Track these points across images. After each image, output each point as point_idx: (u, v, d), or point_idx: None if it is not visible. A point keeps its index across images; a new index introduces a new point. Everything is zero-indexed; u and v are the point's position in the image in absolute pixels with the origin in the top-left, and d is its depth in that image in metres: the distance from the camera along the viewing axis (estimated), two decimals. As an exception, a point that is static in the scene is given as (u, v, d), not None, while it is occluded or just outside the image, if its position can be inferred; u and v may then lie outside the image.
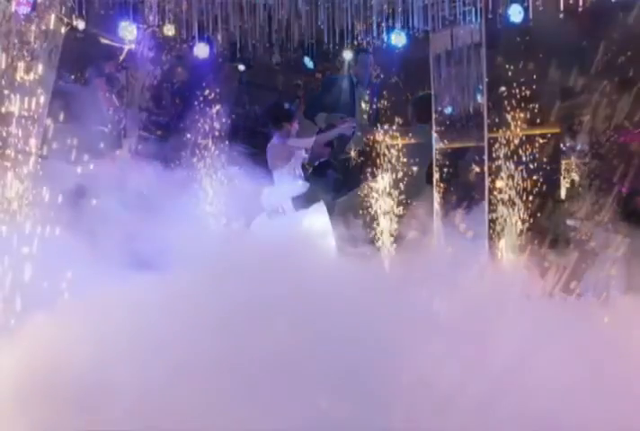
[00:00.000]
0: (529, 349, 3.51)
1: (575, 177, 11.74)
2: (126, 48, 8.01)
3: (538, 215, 7.89)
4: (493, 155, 7.94)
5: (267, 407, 3.07)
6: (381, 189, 8.47)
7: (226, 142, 7.57)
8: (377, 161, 8.55)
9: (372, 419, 3.07)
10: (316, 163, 6.27)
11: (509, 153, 7.89)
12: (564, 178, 11.62)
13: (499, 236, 7.73)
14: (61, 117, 3.82)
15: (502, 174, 7.88)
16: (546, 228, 8.03)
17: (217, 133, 8.08)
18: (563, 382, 3.31)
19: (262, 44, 8.95)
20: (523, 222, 7.74)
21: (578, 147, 11.87)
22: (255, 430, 3.02)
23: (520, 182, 7.84)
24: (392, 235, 8.36)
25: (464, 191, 8.21)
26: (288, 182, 5.68)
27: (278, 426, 2.99)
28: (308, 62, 9.27)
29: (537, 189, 7.89)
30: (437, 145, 8.43)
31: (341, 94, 6.12)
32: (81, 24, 7.62)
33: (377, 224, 8.40)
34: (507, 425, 3.10)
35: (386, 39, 8.66)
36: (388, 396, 3.21)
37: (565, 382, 3.31)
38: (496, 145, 7.92)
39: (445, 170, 8.25)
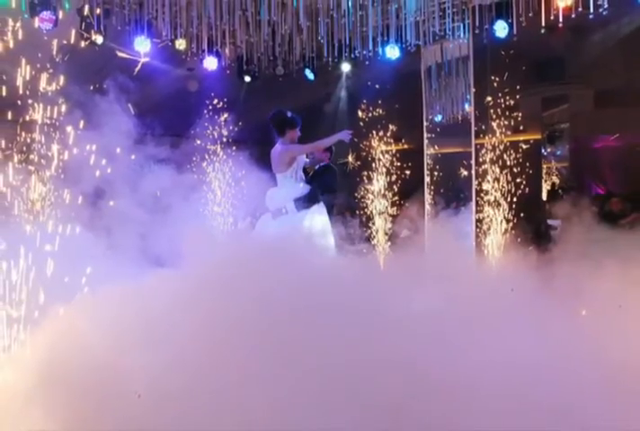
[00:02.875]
0: (515, 339, 3.49)
1: (555, 180, 11.77)
2: (141, 60, 7.99)
3: (522, 215, 7.88)
4: (480, 160, 7.94)
5: (269, 399, 3.04)
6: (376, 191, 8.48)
7: (234, 148, 7.56)
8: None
9: (368, 412, 3.05)
10: (317, 167, 6.23)
11: (494, 158, 7.89)
12: (546, 181, 11.65)
13: (485, 234, 7.72)
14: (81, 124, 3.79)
15: (489, 177, 7.88)
16: (529, 227, 8.03)
17: (224, 139, 8.08)
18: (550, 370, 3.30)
19: (267, 57, 8.97)
20: (508, 221, 7.73)
21: (558, 152, 11.90)
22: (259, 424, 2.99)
23: (505, 185, 7.83)
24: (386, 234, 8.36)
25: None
26: (291, 185, 5.63)
27: (281, 419, 2.96)
28: (309, 73, 9.25)
29: (520, 191, 7.87)
30: (427, 150, 8.45)
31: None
32: (99, 39, 7.62)
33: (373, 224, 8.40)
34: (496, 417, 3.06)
35: (380, 53, 8.59)
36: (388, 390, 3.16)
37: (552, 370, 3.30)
38: (482, 151, 7.92)
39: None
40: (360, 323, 3.47)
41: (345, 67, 9.67)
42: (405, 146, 9.37)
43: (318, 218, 5.55)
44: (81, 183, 3.87)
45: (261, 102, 8.82)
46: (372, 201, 8.44)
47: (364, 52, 8.59)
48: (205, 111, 8.15)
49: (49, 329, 3.53)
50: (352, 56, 8.76)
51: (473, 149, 7.94)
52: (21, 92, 3.64)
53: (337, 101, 10.92)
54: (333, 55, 8.68)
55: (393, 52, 8.47)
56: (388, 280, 4.30)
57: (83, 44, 6.94)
